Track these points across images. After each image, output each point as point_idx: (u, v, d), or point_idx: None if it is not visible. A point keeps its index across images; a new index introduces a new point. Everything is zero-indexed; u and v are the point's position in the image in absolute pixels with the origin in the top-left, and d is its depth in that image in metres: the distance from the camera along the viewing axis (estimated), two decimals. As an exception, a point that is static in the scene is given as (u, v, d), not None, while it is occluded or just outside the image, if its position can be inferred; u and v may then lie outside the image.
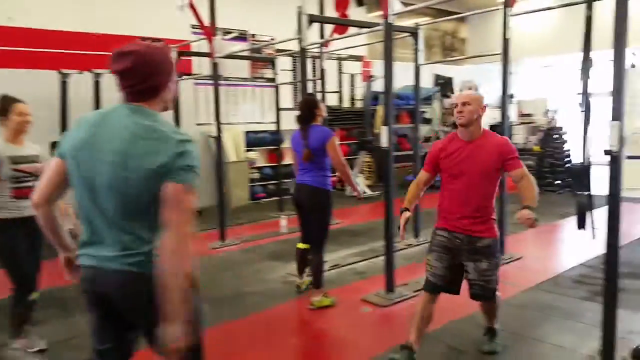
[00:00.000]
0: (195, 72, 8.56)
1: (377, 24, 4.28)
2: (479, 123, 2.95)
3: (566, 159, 9.35)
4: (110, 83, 6.97)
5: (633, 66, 9.36)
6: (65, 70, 6.88)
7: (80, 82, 7.03)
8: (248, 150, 9.29)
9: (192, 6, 5.81)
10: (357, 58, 10.72)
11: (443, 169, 3.02)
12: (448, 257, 2.97)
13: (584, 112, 2.86)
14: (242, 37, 9.30)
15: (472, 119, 2.91)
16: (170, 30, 7.98)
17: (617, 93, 2.63)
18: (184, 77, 7.36)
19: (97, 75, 7.03)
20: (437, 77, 12.81)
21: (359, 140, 9.83)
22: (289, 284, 4.63)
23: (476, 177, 2.87)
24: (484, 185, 2.89)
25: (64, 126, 6.78)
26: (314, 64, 9.77)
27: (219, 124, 6.11)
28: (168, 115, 7.04)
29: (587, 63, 2.86)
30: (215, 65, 5.98)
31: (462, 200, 2.90)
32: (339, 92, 10.80)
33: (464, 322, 3.70)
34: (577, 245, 5.47)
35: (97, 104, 7.02)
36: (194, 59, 8.53)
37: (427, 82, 12.34)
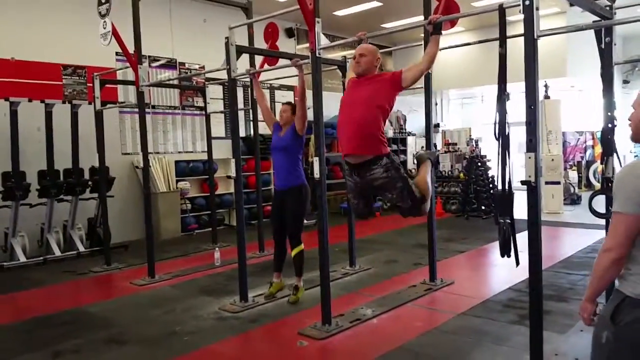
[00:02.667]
0: (121, 101, 8.28)
1: (305, 57, 4.33)
2: (374, 72, 3.55)
3: (490, 186, 9.82)
4: (28, 111, 6.62)
5: (547, 97, 10.10)
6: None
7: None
8: (179, 180, 9.02)
9: (115, 34, 5.63)
10: (289, 88, 10.82)
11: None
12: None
13: (500, 142, 3.00)
14: (170, 65, 9.13)
15: (368, 67, 3.50)
16: (95, 57, 7.71)
17: (531, 125, 2.78)
18: (109, 105, 7.07)
19: (13, 104, 6.59)
20: (368, 107, 13.16)
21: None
22: (224, 320, 4.47)
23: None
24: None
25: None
26: (245, 92, 9.77)
27: (145, 153, 5.90)
28: (91, 144, 6.71)
29: (502, 96, 3.01)
30: (140, 94, 5.80)
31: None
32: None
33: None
34: (504, 269, 5.68)
35: (13, 134, 6.55)
36: (119, 86, 8.25)
37: (358, 111, 12.69)
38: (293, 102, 5.11)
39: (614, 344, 1.81)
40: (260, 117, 6.99)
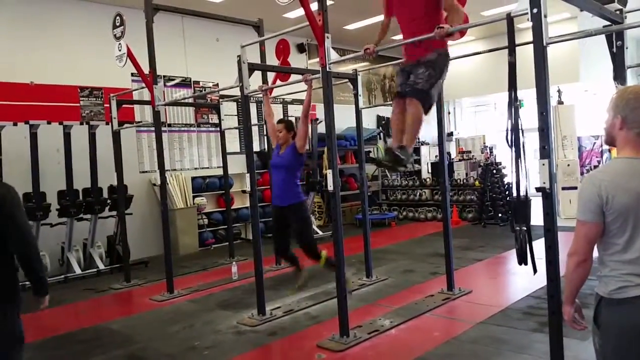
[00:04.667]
0: (137, 120, 8.43)
1: (316, 71, 4.39)
2: None
3: (506, 193, 9.74)
4: (46, 133, 6.78)
5: (561, 102, 10.03)
6: (-2, 122, 6.58)
7: (15, 134, 6.74)
8: (196, 196, 9.13)
9: (130, 55, 5.76)
10: (302, 102, 10.90)
11: None
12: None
13: (513, 149, 3.00)
14: (184, 83, 9.29)
15: None
16: (111, 79, 7.88)
17: (544, 132, 2.78)
18: (126, 125, 7.22)
19: (33, 126, 6.76)
20: (380, 118, 13.23)
21: (308, 182, 9.87)
22: (242, 334, 4.49)
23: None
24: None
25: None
26: (258, 108, 9.89)
27: (162, 170, 5.99)
28: (109, 164, 6.85)
29: (512, 104, 3.02)
30: (156, 113, 5.91)
31: None
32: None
33: None
34: (523, 276, 5.63)
35: (33, 156, 6.71)
36: (135, 106, 8.41)
37: (371, 123, 12.75)
38: (286, 118, 5.06)
39: (602, 348, 1.94)
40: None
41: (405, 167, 4.11)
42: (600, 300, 1.95)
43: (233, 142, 9.68)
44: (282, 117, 10.72)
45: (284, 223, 4.80)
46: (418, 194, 11.30)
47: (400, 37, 4.11)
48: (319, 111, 11.17)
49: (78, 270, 7.08)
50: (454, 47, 9.39)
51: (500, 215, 9.61)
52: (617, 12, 3.63)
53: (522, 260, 2.99)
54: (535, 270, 2.95)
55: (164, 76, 8.54)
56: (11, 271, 2.58)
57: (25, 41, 7.46)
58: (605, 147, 12.41)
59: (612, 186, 1.86)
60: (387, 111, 13.07)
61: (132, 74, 7.80)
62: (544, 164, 2.75)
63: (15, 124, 6.61)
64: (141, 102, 7.84)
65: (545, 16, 2.80)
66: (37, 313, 2.85)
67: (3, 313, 2.49)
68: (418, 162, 13.06)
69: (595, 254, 1.99)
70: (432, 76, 3.76)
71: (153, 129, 6.17)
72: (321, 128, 9.91)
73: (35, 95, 7.43)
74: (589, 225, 1.91)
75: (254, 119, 9.66)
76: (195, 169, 9.44)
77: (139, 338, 4.59)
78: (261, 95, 5.25)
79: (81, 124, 7.53)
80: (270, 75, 6.53)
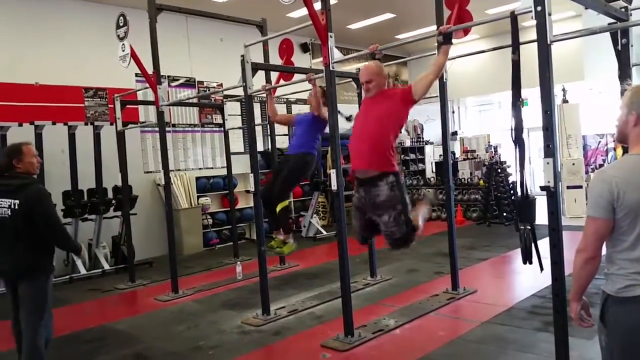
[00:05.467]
0: (142, 120, 8.45)
1: (320, 71, 4.38)
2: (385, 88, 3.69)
3: (511, 192, 9.70)
4: (51, 134, 6.80)
5: (566, 101, 9.98)
6: (3, 123, 6.60)
7: (21, 135, 6.76)
8: (200, 196, 9.14)
9: (134, 56, 5.77)
10: (305, 101, 10.90)
11: None
12: None
13: (517, 148, 2.99)
14: (188, 84, 9.31)
15: (379, 89, 3.62)
16: (115, 79, 7.90)
17: (548, 131, 2.77)
18: (130, 125, 7.24)
19: (38, 127, 6.78)
20: (384, 117, 13.18)
21: (312, 181, 9.87)
22: (247, 334, 4.50)
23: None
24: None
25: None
26: (262, 108, 9.89)
27: (166, 171, 6.00)
28: (113, 164, 6.88)
29: (516, 102, 3.01)
30: (160, 114, 5.92)
31: None
32: (289, 134, 10.89)
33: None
34: (528, 275, 5.61)
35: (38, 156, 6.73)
36: (140, 107, 8.43)
37: (374, 122, 12.72)
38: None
39: (608, 346, 1.93)
40: (279, 131, 7.11)
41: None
42: (607, 298, 1.94)
43: (237, 142, 9.69)
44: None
45: (279, 174, 4.85)
46: (422, 193, 11.27)
47: (403, 36, 4.10)
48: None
49: (83, 271, 7.11)
50: (458, 46, 9.36)
51: (504, 214, 9.57)
52: (622, 9, 3.61)
53: (527, 259, 2.97)
54: (541, 268, 2.94)
55: (168, 76, 8.55)
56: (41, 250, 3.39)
57: (30, 42, 7.49)
58: (611, 145, 12.38)
59: (624, 183, 1.85)
60: (391, 110, 13.08)
61: (136, 75, 7.81)
62: (548, 163, 2.74)
63: (20, 125, 6.64)
64: (145, 103, 7.86)
65: (550, 14, 2.79)
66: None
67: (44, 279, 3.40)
68: (422, 161, 13.05)
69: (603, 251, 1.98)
70: (399, 215, 3.47)
71: (157, 129, 6.18)
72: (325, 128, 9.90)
73: (40, 95, 7.46)
74: (599, 221, 1.90)
75: (257, 119, 9.66)
76: (200, 169, 9.46)
77: (144, 338, 4.60)
78: (265, 95, 5.24)
79: (86, 124, 7.56)
80: (274, 75, 6.54)
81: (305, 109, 10.69)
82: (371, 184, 3.51)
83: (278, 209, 4.79)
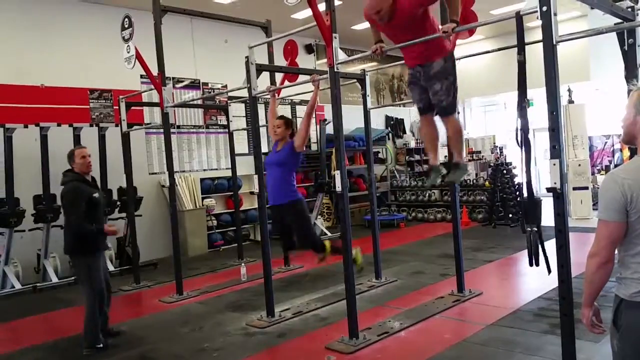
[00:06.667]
0: (146, 122, 8.47)
1: (324, 72, 4.37)
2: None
3: (516, 193, 9.65)
4: (57, 136, 6.82)
5: (571, 102, 9.93)
6: (9, 125, 6.62)
7: (26, 136, 6.79)
8: (205, 198, 9.15)
9: (139, 57, 5.78)
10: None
11: None
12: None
13: (523, 149, 2.97)
14: (193, 85, 9.32)
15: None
16: (120, 81, 7.92)
17: (554, 132, 2.74)
18: (135, 127, 7.25)
19: (43, 128, 6.81)
20: (389, 119, 13.19)
21: (316, 183, 9.86)
22: (251, 336, 4.49)
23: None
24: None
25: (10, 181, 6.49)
26: (267, 109, 9.88)
27: (171, 172, 6.01)
28: (118, 166, 6.88)
29: (522, 103, 2.99)
30: (165, 115, 5.93)
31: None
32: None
33: None
34: (534, 277, 5.57)
35: (43, 158, 6.77)
36: (145, 108, 8.45)
37: (379, 124, 12.71)
38: (285, 116, 4.96)
39: (621, 351, 1.89)
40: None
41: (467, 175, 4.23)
42: (621, 303, 1.90)
43: (241, 144, 9.69)
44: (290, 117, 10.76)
45: (284, 222, 4.74)
46: (427, 194, 11.25)
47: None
48: (327, 112, 11.16)
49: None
50: (463, 47, 9.33)
51: (510, 215, 9.53)
52: (629, 9, 3.58)
53: (533, 261, 2.95)
54: (549, 271, 2.91)
55: (173, 78, 8.57)
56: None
57: (35, 44, 7.52)
58: (617, 146, 12.31)
59: (636, 185, 1.82)
60: (395, 111, 13.05)
61: (141, 76, 7.83)
62: (554, 164, 2.72)
63: (25, 127, 6.66)
64: (150, 104, 7.87)
65: (555, 14, 2.77)
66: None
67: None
68: (427, 162, 12.99)
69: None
70: (449, 86, 3.78)
71: (162, 130, 6.20)
72: (329, 129, 9.90)
73: (45, 97, 7.49)
74: (612, 224, 1.87)
75: (262, 120, 9.64)
76: (204, 170, 9.47)
77: (148, 339, 4.60)
78: (269, 96, 5.22)
79: (91, 125, 7.58)
80: (279, 76, 6.54)
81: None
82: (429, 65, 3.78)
83: (328, 254, 4.77)
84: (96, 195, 4.35)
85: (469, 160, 11.52)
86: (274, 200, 4.73)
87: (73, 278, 6.93)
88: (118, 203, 7.56)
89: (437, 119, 4.06)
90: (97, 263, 4.33)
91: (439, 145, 4.13)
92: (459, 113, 4.03)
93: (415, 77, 3.91)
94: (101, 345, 4.30)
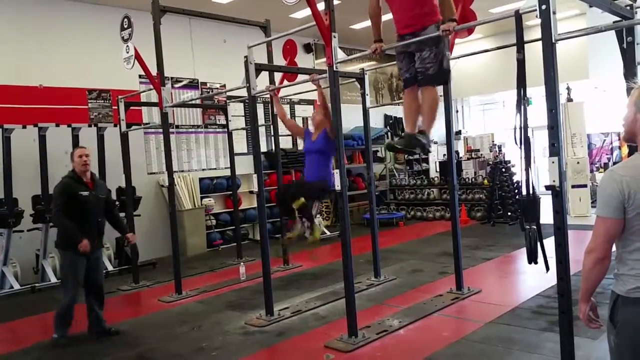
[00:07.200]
0: (145, 122, 8.46)
1: (323, 71, 4.38)
2: None
3: (515, 191, 9.66)
4: (55, 136, 6.82)
5: (570, 100, 9.94)
6: (7, 125, 6.61)
7: (24, 137, 6.78)
8: (203, 197, 9.15)
9: (138, 58, 5.78)
10: (309, 102, 10.90)
11: None
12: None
13: (522, 147, 2.97)
14: (192, 85, 9.31)
15: None
16: (119, 81, 7.91)
17: (553, 130, 2.75)
18: (134, 127, 7.24)
19: (42, 129, 6.80)
20: (387, 118, 13.20)
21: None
22: (250, 335, 4.49)
23: None
24: None
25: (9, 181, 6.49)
26: (265, 109, 9.89)
27: (170, 172, 6.01)
28: (117, 166, 6.87)
29: (521, 101, 2.99)
30: (164, 115, 5.93)
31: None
32: (293, 139, 10.90)
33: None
34: (533, 275, 5.58)
35: (42, 158, 6.76)
36: (143, 108, 8.44)
37: (378, 123, 12.71)
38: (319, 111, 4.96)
39: (618, 347, 1.90)
40: (282, 132, 7.10)
41: (429, 151, 4.01)
42: (617, 299, 1.92)
43: (240, 143, 9.69)
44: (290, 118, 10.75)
45: (300, 190, 4.65)
46: (426, 193, 11.26)
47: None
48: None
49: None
50: (462, 45, 9.34)
51: (509, 213, 9.54)
52: (628, 7, 3.58)
53: (532, 258, 2.96)
54: (547, 268, 2.92)
55: (172, 78, 8.56)
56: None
57: (33, 44, 7.51)
58: (616, 144, 12.32)
59: (635, 182, 1.83)
60: (394, 110, 13.04)
61: (140, 76, 7.83)
62: (553, 162, 2.73)
63: (24, 127, 6.66)
64: (149, 104, 7.86)
65: (554, 12, 2.78)
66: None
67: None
68: (426, 161, 13.02)
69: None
70: (438, 53, 3.67)
71: (161, 130, 6.19)
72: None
73: (44, 98, 7.48)
74: (610, 221, 1.88)
75: (261, 120, 9.67)
76: (203, 170, 9.47)
77: (147, 339, 4.60)
78: (268, 96, 5.23)
79: (89, 126, 7.57)
80: (278, 76, 6.53)
81: (308, 110, 10.71)
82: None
83: (295, 206, 4.61)
84: (84, 193, 4.43)
85: (468, 159, 11.55)
86: (310, 177, 4.76)
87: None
88: (117, 203, 7.54)
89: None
90: (75, 261, 4.42)
91: (418, 119, 3.92)
92: (447, 83, 3.98)
93: (405, 46, 3.80)
94: (56, 336, 4.50)
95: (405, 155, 12.78)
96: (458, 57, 4.99)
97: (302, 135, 5.03)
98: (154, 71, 5.91)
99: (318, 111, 4.87)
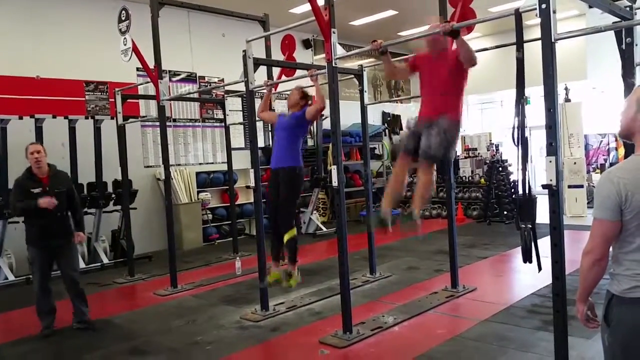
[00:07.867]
0: (142, 115, 8.43)
1: (322, 67, 4.37)
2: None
3: (512, 190, 9.68)
4: (52, 127, 6.79)
5: (568, 100, 9.95)
6: (3, 116, 6.58)
7: (20, 128, 6.75)
8: (200, 191, 9.13)
9: (136, 50, 5.75)
10: (307, 97, 10.88)
11: None
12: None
13: (520, 146, 2.97)
14: (190, 78, 9.28)
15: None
16: (116, 73, 7.88)
17: (551, 129, 2.75)
18: (131, 120, 7.22)
19: (38, 120, 6.76)
20: (385, 115, 13.19)
21: (312, 178, 9.86)
22: (245, 329, 4.49)
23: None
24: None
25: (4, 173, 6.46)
26: (264, 104, 9.85)
27: (167, 165, 5.99)
28: (114, 158, 6.85)
29: (520, 100, 2.99)
30: (161, 108, 5.91)
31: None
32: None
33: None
34: (528, 274, 5.58)
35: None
36: (140, 101, 8.41)
37: (376, 120, 12.71)
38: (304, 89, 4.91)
39: (611, 346, 1.91)
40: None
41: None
42: (612, 298, 1.93)
43: (238, 138, 9.67)
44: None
45: (277, 196, 4.60)
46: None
47: (405, 33, 4.07)
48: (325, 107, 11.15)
49: (82, 264, 7.09)
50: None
51: (505, 212, 9.56)
52: (627, 8, 3.59)
53: (527, 257, 2.97)
54: (540, 268, 2.93)
55: (169, 71, 8.52)
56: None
57: (31, 35, 7.47)
58: (612, 145, 12.34)
59: (632, 184, 1.83)
60: (392, 108, 13.04)
61: (138, 69, 7.78)
62: (551, 161, 2.73)
63: (20, 118, 6.62)
64: (146, 97, 7.84)
65: (554, 12, 2.77)
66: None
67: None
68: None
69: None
70: (445, 143, 3.72)
71: (158, 123, 6.17)
72: (326, 124, 9.89)
73: (40, 89, 7.43)
74: (606, 223, 1.88)
75: (259, 115, 9.63)
76: (200, 164, 9.45)
77: (142, 332, 4.59)
78: (265, 90, 5.21)
79: (86, 118, 7.54)
80: (276, 71, 6.52)
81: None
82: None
83: (286, 238, 4.59)
84: (35, 190, 4.43)
85: (465, 157, 11.54)
86: (275, 163, 4.65)
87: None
88: (113, 196, 7.54)
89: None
90: (34, 254, 4.51)
91: (398, 196, 4.08)
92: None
93: (416, 127, 3.94)
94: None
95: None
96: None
97: (274, 119, 4.93)
98: (151, 64, 5.88)
99: (293, 92, 4.79)
